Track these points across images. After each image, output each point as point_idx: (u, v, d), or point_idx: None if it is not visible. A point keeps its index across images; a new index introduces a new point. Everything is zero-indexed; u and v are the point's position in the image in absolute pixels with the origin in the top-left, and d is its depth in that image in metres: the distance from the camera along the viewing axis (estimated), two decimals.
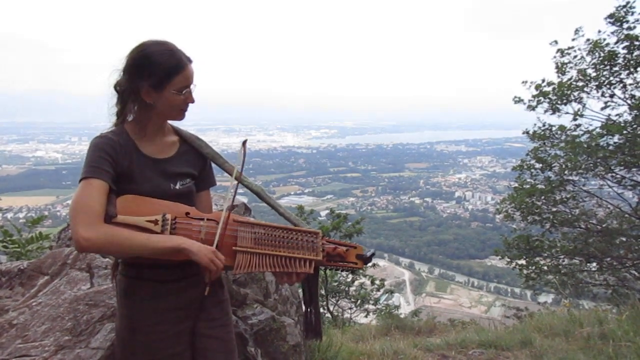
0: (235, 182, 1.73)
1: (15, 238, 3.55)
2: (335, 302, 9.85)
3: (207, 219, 1.66)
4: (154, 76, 1.59)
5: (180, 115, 1.72)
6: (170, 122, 1.79)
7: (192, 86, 1.67)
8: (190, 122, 1.81)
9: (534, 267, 9.70)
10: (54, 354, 1.87)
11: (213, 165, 1.91)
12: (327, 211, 11.46)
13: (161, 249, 1.51)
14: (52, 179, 68.05)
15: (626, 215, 8.81)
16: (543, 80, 9.32)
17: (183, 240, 1.54)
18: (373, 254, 1.82)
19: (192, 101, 1.69)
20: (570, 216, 9.30)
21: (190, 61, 1.66)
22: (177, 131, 1.82)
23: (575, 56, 8.87)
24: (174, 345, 1.68)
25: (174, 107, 1.66)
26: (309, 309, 1.90)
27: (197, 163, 1.82)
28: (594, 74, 8.61)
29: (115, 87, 1.66)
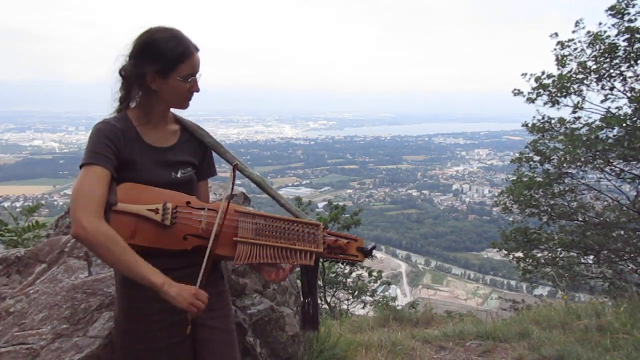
0: (234, 172, 1.71)
1: (12, 227, 3.53)
2: (332, 293, 9.88)
3: (208, 209, 1.65)
4: (160, 63, 1.58)
5: (184, 104, 1.70)
6: (172, 110, 1.77)
7: (197, 75, 1.66)
8: (188, 112, 1.80)
9: (531, 260, 9.73)
10: (52, 342, 1.86)
11: (214, 155, 1.90)
12: (325, 203, 11.46)
13: (142, 278, 1.47)
14: (49, 169, 67.95)
15: (624, 209, 8.82)
16: (543, 73, 9.28)
17: (163, 281, 1.48)
18: (374, 247, 1.81)
19: (197, 90, 1.68)
20: (568, 209, 9.31)
21: (197, 49, 1.64)
22: (178, 120, 1.81)
23: (576, 48, 8.81)
24: (173, 335, 1.67)
25: (178, 95, 1.65)
26: (307, 301, 1.89)
27: (198, 152, 1.81)
28: (594, 67, 8.57)
29: (120, 72, 1.64)
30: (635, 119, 8.07)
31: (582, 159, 8.55)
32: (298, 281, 2.96)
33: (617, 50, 8.13)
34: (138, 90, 1.64)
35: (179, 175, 1.70)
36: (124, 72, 1.63)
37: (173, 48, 1.58)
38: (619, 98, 8.47)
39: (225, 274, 1.89)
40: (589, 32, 8.53)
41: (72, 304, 2.03)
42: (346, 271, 10.02)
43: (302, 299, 1.91)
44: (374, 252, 1.84)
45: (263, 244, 1.65)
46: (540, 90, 9.23)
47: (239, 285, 2.65)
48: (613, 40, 8.16)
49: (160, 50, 1.57)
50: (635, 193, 8.66)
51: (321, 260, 1.79)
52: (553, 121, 9.40)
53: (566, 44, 8.91)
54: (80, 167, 1.51)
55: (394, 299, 11.56)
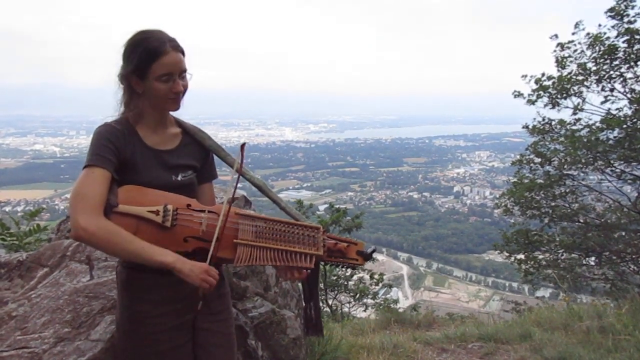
0: (236, 175, 1.71)
1: (13, 231, 3.53)
2: (334, 296, 9.86)
3: (209, 211, 1.65)
4: (136, 63, 1.57)
5: (171, 105, 1.66)
6: (172, 113, 1.76)
7: (187, 75, 1.64)
8: (188, 116, 1.79)
9: (532, 262, 9.72)
10: (54, 346, 1.86)
11: (215, 158, 1.90)
12: (326, 205, 11.46)
13: (153, 261, 1.49)
14: (51, 173, 67.99)
15: (625, 210, 8.82)
16: (543, 74, 9.31)
17: (175, 259, 1.51)
18: (374, 251, 1.81)
19: (179, 90, 1.62)
20: (569, 210, 9.32)
21: (177, 49, 1.61)
22: (179, 123, 1.81)
23: (576, 50, 8.85)
24: (175, 338, 1.67)
25: (159, 95, 1.61)
26: (309, 305, 1.89)
27: (199, 155, 1.81)
28: (594, 68, 8.59)
29: (118, 77, 1.65)
30: (635, 120, 8.08)
31: (583, 161, 8.55)
32: (299, 284, 2.96)
33: (617, 52, 8.14)
34: (130, 94, 1.64)
35: (179, 178, 1.70)
36: (118, 78, 1.64)
37: (145, 47, 1.57)
38: (619, 99, 8.49)
39: (226, 277, 1.89)
40: (588, 33, 8.56)
41: (74, 308, 2.03)
42: (347, 274, 10.02)
43: (303, 304, 1.90)
44: (375, 255, 1.84)
45: (263, 246, 1.65)
46: (541, 92, 9.24)
47: (240, 288, 2.65)
48: (613, 41, 8.18)
49: (135, 51, 1.57)
50: (636, 194, 8.66)
51: (322, 264, 1.79)
52: (553, 123, 9.41)
53: (566, 45, 8.93)
54: (82, 169, 1.52)
55: (396, 301, 11.54)
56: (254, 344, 2.51)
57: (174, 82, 1.61)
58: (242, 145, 1.66)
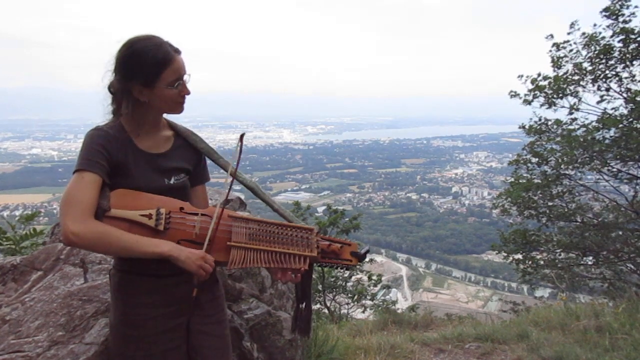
0: (231, 178, 1.71)
1: (9, 235, 3.52)
2: (332, 297, 9.85)
3: (202, 214, 1.65)
4: (143, 74, 1.57)
5: (177, 109, 1.69)
6: (165, 116, 1.76)
7: (185, 77, 1.64)
8: (187, 119, 1.79)
9: (530, 262, 9.72)
10: (48, 350, 1.86)
11: (208, 161, 1.90)
12: (324, 207, 11.45)
13: (149, 253, 1.50)
14: (48, 177, 67.86)
15: (622, 209, 8.83)
16: (539, 75, 9.31)
17: (171, 247, 1.52)
18: (367, 251, 1.81)
19: (187, 92, 1.66)
20: (566, 210, 9.31)
21: (178, 52, 1.62)
22: (172, 126, 1.80)
23: (571, 50, 8.85)
24: (169, 341, 1.67)
25: (169, 101, 1.63)
26: (301, 306, 1.88)
27: (191, 158, 1.80)
28: (590, 68, 8.60)
29: (109, 88, 1.64)
30: (631, 119, 8.10)
31: (580, 160, 8.57)
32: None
33: (612, 51, 8.15)
34: (128, 104, 1.62)
35: (172, 181, 1.70)
36: (112, 89, 1.63)
37: (152, 57, 1.56)
38: (615, 99, 8.50)
39: (220, 279, 1.89)
40: (584, 33, 8.57)
41: (68, 311, 2.02)
42: (346, 275, 10.01)
43: (296, 304, 1.90)
44: (372, 255, 1.84)
45: (257, 248, 1.64)
46: (537, 92, 9.25)
47: (235, 290, 2.65)
48: (608, 41, 8.19)
49: (141, 61, 1.56)
50: (633, 193, 8.67)
51: (316, 265, 1.79)
52: (550, 123, 9.42)
53: (561, 45, 8.94)
54: (73, 173, 1.52)
55: (395, 302, 11.54)
56: (250, 346, 2.50)
57: (182, 85, 1.63)
58: (241, 136, 1.66)
